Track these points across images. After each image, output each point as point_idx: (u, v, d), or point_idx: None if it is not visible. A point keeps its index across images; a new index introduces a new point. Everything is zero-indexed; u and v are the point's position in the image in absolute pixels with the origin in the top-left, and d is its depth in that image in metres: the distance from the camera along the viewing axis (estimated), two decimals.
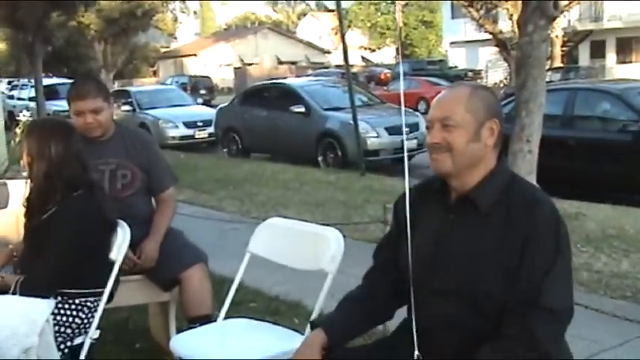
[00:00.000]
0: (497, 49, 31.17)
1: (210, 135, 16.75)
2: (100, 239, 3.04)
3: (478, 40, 37.79)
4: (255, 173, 11.50)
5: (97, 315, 3.04)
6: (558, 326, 2.06)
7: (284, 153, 13.80)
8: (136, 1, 32.04)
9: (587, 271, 5.44)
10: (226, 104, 16.40)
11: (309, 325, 2.46)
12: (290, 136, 13.47)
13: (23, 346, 2.69)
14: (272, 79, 24.63)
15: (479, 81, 37.87)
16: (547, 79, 7.97)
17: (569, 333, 2.11)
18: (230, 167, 12.49)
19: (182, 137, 16.73)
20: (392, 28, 56.72)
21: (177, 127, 16.88)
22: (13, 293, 2.86)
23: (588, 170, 9.08)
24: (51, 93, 21.92)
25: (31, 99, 22.85)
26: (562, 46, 34.90)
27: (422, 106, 23.44)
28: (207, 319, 3.46)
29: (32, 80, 22.43)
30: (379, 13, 59.07)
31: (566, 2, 23.72)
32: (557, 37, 32.79)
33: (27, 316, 2.73)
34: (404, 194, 2.31)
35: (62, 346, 2.94)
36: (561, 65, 32.94)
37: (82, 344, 3.02)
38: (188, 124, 16.97)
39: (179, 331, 3.53)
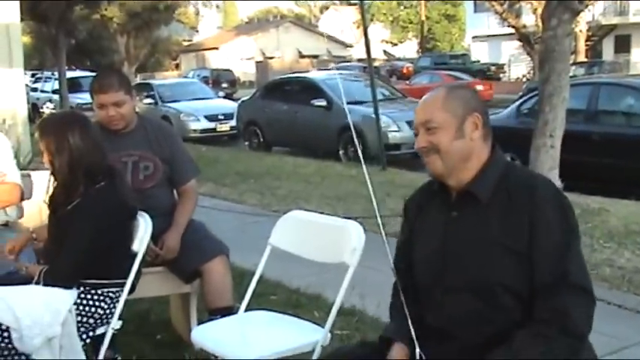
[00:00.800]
0: (520, 43, 31.02)
1: (231, 128, 16.78)
2: (123, 230, 3.07)
3: (501, 35, 37.57)
4: (277, 167, 11.51)
5: (119, 305, 3.07)
6: (590, 307, 2.05)
7: (305, 147, 13.80)
8: None
9: (610, 267, 5.39)
10: (248, 98, 16.40)
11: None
12: (311, 129, 13.47)
13: (46, 335, 2.73)
14: (294, 72, 24.63)
15: (501, 75, 37.77)
16: (571, 74, 7.90)
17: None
18: (251, 160, 12.51)
19: (204, 130, 16.76)
20: (414, 22, 56.50)
21: (198, 120, 16.92)
22: (37, 283, 2.90)
23: (612, 166, 8.98)
24: (74, 85, 22.09)
25: (54, 91, 23.08)
26: (586, 41, 34.54)
27: None
28: (228, 311, 3.47)
29: (55, 73, 22.67)
30: (401, 7, 58.88)
31: None
32: (581, 31, 32.44)
33: (50, 306, 2.77)
34: (413, 195, 2.41)
35: (84, 336, 2.97)
36: (585, 60, 32.59)
37: (104, 334, 3.05)
38: (210, 118, 17.00)
39: (200, 322, 3.55)
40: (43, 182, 3.54)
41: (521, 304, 2.07)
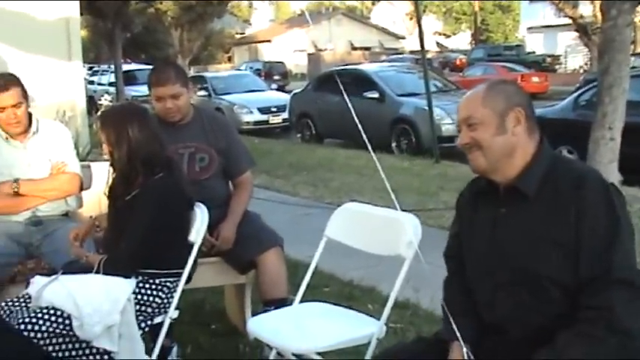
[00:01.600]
0: (577, 34, 30.30)
1: (284, 120, 16.82)
2: (180, 220, 3.10)
3: (557, 25, 36.90)
4: (329, 159, 11.52)
5: (177, 295, 3.11)
6: (636, 302, 2.01)
7: (357, 139, 13.75)
8: None
9: None
10: (300, 90, 16.42)
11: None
12: (364, 122, 13.38)
13: (106, 323, 2.78)
14: (346, 64, 24.58)
15: (557, 67, 37.10)
16: (631, 65, 7.71)
17: None
18: (304, 152, 12.55)
19: (256, 122, 16.85)
20: (467, 13, 55.88)
21: (251, 112, 17.03)
22: (97, 272, 2.95)
23: None
24: (130, 78, 22.46)
25: (110, 84, 23.47)
26: None
27: None
28: (283, 302, 3.49)
29: (112, 66, 23.05)
30: None
31: None
32: None
33: (110, 295, 2.82)
34: (463, 191, 2.42)
35: (142, 325, 3.01)
36: None
37: (161, 323, 3.09)
38: (262, 110, 17.09)
39: (254, 313, 3.57)
40: (102, 173, 3.61)
41: (568, 297, 2.06)
